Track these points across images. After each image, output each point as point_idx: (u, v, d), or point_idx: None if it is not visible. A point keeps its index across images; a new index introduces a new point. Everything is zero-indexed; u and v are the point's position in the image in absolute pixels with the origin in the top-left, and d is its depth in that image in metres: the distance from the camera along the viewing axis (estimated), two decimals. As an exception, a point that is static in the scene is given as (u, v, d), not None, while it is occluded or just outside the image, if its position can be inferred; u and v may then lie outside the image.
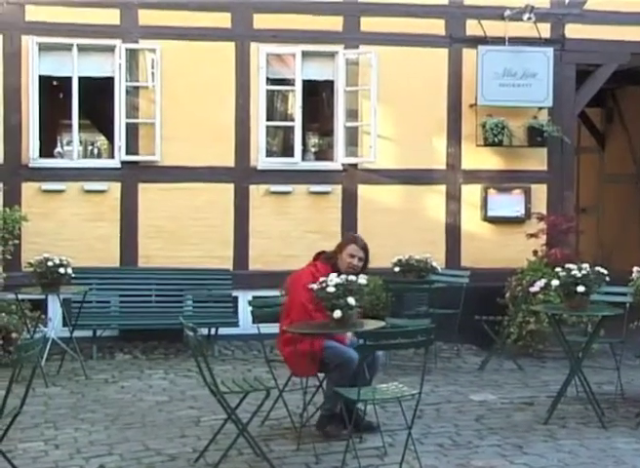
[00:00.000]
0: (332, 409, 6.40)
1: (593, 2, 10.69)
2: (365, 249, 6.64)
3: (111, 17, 9.83)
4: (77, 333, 8.76)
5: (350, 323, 5.98)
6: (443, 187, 10.57)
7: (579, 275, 6.83)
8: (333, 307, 5.90)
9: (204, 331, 9.32)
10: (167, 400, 7.62)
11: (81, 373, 8.38)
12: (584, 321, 8.90)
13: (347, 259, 6.56)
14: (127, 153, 9.89)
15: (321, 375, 6.56)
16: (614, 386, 7.68)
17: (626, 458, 6.09)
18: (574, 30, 10.71)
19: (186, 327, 5.84)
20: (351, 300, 5.90)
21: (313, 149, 10.91)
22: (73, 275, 8.53)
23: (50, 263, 8.25)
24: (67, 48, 9.73)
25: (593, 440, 6.48)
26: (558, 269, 7.06)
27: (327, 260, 6.61)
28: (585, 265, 6.96)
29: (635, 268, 7.57)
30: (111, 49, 9.83)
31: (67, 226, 9.76)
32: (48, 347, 8.45)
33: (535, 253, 9.99)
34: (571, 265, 6.97)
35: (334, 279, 5.99)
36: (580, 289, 6.80)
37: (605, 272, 6.98)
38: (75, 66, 9.76)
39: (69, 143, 10.11)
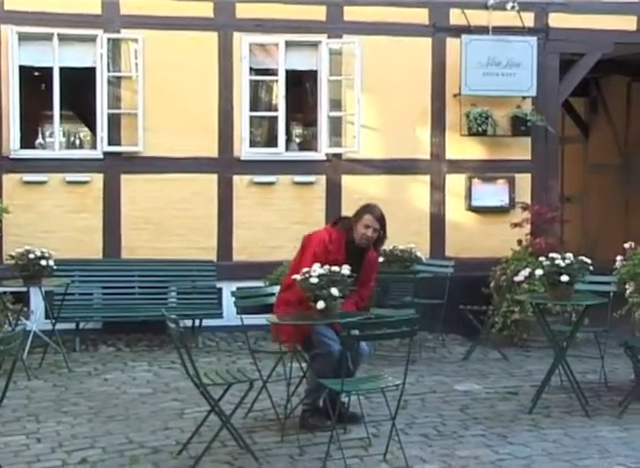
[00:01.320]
0: (314, 402, 6.37)
1: (577, -9, 10.69)
2: (381, 219, 6.46)
3: (92, 6, 9.74)
4: (60, 326, 8.71)
5: (334, 314, 5.95)
6: (427, 177, 10.54)
7: (562, 264, 6.84)
8: (316, 298, 5.88)
9: (188, 322, 9.30)
10: (150, 392, 7.58)
11: (64, 366, 8.32)
12: (569, 310, 8.93)
13: (362, 230, 6.40)
14: (109, 144, 9.81)
15: (304, 367, 6.54)
16: (598, 375, 7.70)
17: (610, 447, 6.10)
18: (557, 19, 10.69)
19: (168, 319, 5.80)
20: (334, 291, 5.87)
21: (297, 139, 10.87)
22: (55, 267, 8.45)
23: (31, 256, 8.18)
24: (48, 37, 9.63)
25: (577, 429, 6.49)
26: (542, 259, 7.05)
27: (343, 228, 6.47)
28: (569, 255, 6.95)
29: (619, 257, 7.57)
30: (93, 39, 9.74)
31: (49, 218, 9.69)
32: (30, 340, 8.43)
33: (519, 242, 9.98)
34: (554, 255, 6.97)
35: (317, 270, 5.95)
36: (564, 278, 6.80)
37: (589, 261, 6.98)
38: (56, 56, 9.66)
39: (52, 135, 10.03)
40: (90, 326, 9.58)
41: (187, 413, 6.85)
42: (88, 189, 9.82)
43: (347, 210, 10.10)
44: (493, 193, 10.61)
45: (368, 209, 6.51)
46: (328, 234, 6.43)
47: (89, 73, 9.82)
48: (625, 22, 10.82)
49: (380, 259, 9.20)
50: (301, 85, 10.97)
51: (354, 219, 6.47)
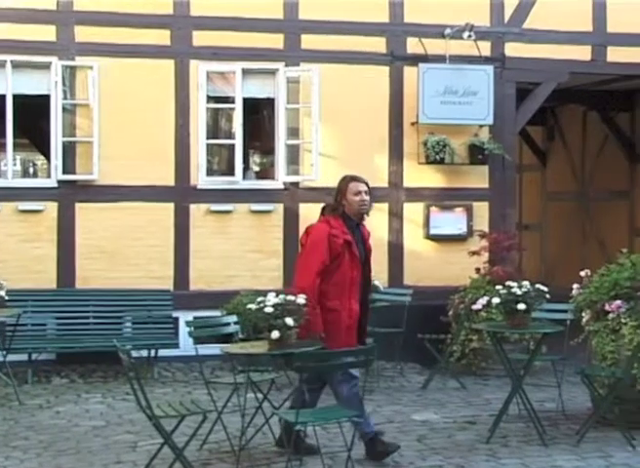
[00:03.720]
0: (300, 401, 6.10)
1: (533, 21, 10.78)
2: (365, 182, 6.37)
3: (47, 33, 9.66)
4: (12, 357, 8.56)
5: (289, 343, 5.87)
6: (385, 205, 10.51)
7: (519, 293, 6.82)
8: (270, 328, 5.80)
9: (144, 352, 9.17)
10: (103, 424, 7.42)
11: (14, 399, 8.13)
12: (526, 338, 8.91)
13: (356, 198, 6.27)
14: (64, 172, 9.69)
15: (260, 398, 6.43)
16: (555, 403, 7.67)
17: (568, 477, 6.06)
18: (513, 48, 10.78)
19: (120, 350, 5.68)
20: (289, 321, 5.80)
21: (255, 168, 10.82)
22: (8, 297, 8.33)
23: (-19, 286, 8.04)
24: (1, 65, 9.51)
25: (534, 458, 6.43)
26: (499, 287, 7.03)
27: (333, 212, 6.33)
28: (526, 283, 6.95)
29: (575, 285, 7.58)
30: (47, 66, 9.65)
31: (2, 247, 9.53)
32: (-20, 372, 8.24)
33: (477, 270, 9.98)
34: (511, 283, 6.96)
35: (272, 299, 5.89)
36: (521, 306, 6.79)
37: (545, 289, 6.98)
38: (9, 84, 9.54)
39: (5, 163, 9.90)
40: (43, 357, 9.41)
41: (140, 446, 6.71)
42: (41, 218, 9.68)
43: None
44: (451, 221, 10.62)
45: (347, 179, 6.41)
46: (326, 222, 6.31)
47: (44, 101, 9.72)
48: (580, 52, 10.94)
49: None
50: (259, 113, 10.95)
51: (340, 196, 6.33)
